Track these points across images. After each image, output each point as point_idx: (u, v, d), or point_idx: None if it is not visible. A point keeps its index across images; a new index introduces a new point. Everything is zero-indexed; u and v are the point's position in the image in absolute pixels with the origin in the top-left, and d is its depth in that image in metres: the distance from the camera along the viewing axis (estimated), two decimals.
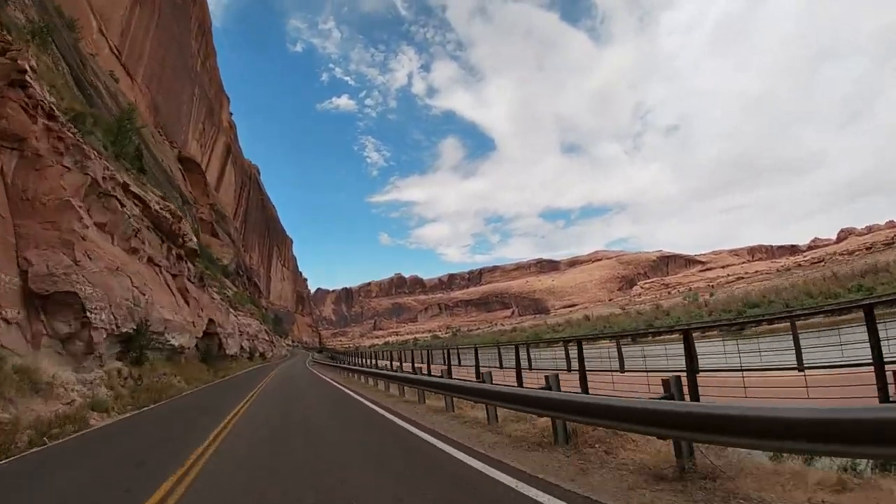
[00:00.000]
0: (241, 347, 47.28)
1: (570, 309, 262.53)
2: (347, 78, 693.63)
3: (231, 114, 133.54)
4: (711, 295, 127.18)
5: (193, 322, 26.40)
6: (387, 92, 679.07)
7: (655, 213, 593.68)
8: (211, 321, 32.80)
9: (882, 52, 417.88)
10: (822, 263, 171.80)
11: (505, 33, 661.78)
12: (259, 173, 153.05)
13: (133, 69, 72.50)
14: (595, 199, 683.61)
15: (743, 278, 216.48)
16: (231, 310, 44.40)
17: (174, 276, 25.79)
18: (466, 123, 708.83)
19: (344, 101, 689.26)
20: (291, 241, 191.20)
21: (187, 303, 26.39)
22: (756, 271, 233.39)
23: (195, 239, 31.11)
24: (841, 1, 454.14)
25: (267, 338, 71.87)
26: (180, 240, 27.21)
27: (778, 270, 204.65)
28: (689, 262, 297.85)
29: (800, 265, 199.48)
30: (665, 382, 5.53)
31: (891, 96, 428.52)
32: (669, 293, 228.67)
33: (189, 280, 28.84)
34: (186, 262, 29.00)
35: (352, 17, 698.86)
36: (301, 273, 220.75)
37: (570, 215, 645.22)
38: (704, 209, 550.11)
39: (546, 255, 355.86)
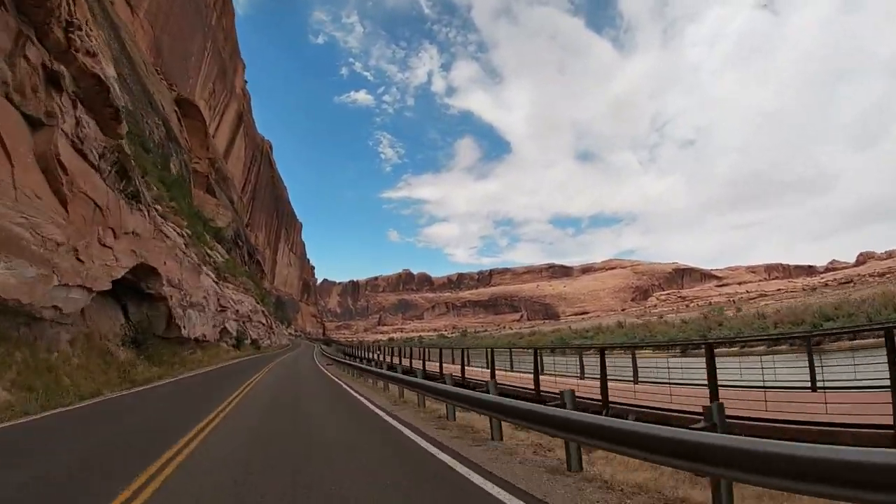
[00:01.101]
0: (225, 329, 35.13)
1: (581, 316, 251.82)
2: (367, 73, 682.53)
3: (246, 81, 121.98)
4: (739, 310, 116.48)
5: (76, 250, 12.83)
6: (405, 89, 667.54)
7: (666, 225, 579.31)
8: (149, 270, 19.36)
9: None
10: (852, 284, 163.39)
11: (529, 36, 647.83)
12: (272, 149, 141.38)
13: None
14: (606, 207, 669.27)
15: (767, 295, 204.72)
16: (209, 273, 32.11)
17: (30, 120, 11.53)
18: (484, 125, 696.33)
19: (362, 96, 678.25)
20: (301, 225, 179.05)
21: (63, 204, 12.42)
22: (778, 289, 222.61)
23: (107, 68, 15.70)
24: (862, 21, 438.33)
25: (264, 322, 59.42)
26: (62, 40, 12.54)
27: (804, 289, 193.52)
28: (704, 276, 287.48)
29: (827, 285, 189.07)
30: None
31: None
32: (687, 306, 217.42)
33: (86, 158, 14.42)
34: (81, 110, 14.14)
35: (375, 12, 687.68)
36: (309, 260, 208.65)
37: (580, 223, 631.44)
38: (716, 224, 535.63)
39: (557, 261, 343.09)
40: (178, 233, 27.55)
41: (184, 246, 27.05)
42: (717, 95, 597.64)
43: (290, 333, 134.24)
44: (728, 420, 6.65)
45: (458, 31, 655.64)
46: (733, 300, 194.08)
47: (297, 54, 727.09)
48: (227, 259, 50.82)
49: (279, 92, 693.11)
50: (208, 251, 39.61)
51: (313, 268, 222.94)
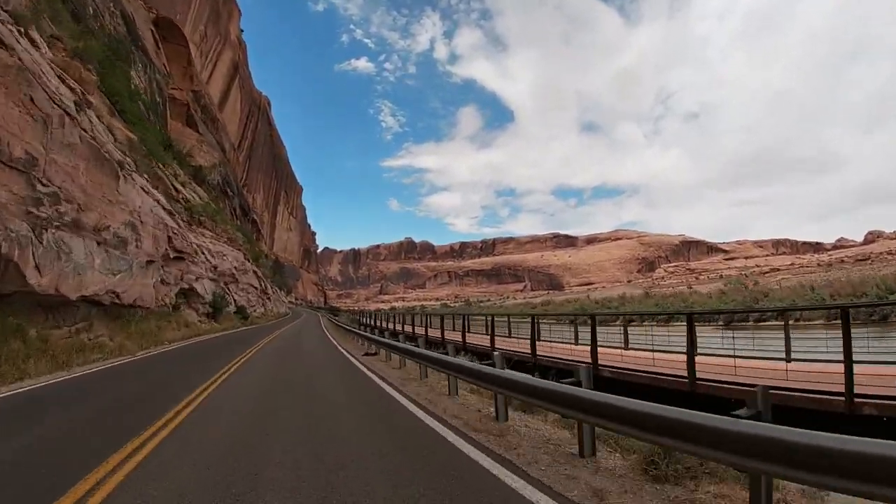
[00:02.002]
0: (192, 291, 26.10)
1: (587, 287, 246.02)
2: (368, 40, 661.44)
3: (242, 31, 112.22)
4: (756, 283, 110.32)
5: None
6: (407, 57, 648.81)
7: (668, 198, 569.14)
8: None
9: None
10: (869, 262, 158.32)
11: (535, 4, 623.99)
12: (270, 106, 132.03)
13: None
14: (609, 180, 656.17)
15: (780, 270, 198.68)
16: (150, 190, 20.84)
17: None
18: (487, 93, 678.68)
19: (362, 64, 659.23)
20: (301, 189, 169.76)
21: None
22: (791, 264, 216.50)
23: None
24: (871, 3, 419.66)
25: (257, 285, 51.37)
26: None
27: (819, 265, 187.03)
28: (711, 249, 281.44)
29: (843, 261, 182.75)
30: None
31: None
32: (697, 278, 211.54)
33: None
34: None
35: None
36: (310, 226, 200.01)
37: (583, 194, 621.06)
38: (718, 199, 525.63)
39: (562, 231, 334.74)
40: (66, 84, 15.46)
41: (73, 107, 14.41)
42: (722, 70, 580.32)
43: (289, 302, 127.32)
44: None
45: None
46: (745, 273, 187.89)
47: (296, 21, 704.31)
48: (206, 202, 41.59)
49: (277, 59, 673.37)
50: (173, 182, 30.22)
51: (314, 234, 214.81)
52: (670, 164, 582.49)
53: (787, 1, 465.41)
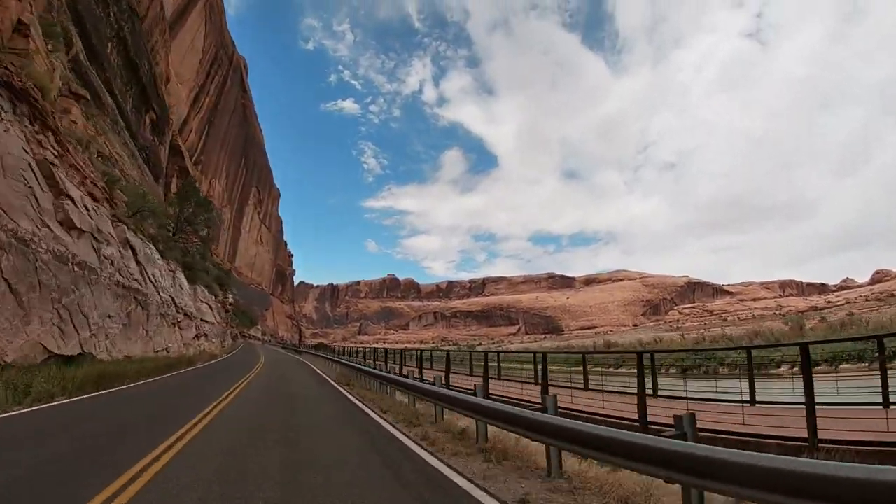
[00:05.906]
0: None
1: (590, 331, 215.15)
2: (355, 82, 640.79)
3: None
4: (823, 319, 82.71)
5: None
6: (392, 100, 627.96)
7: (646, 245, 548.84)
8: None
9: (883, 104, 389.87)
10: None
11: (524, 50, 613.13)
12: (246, 70, 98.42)
13: None
14: (588, 226, 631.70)
15: (820, 309, 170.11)
16: None
17: None
18: (473, 138, 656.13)
19: (349, 105, 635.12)
20: (279, 193, 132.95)
21: None
22: (829, 303, 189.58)
23: None
24: (848, 52, 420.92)
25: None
26: None
27: (867, 300, 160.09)
28: (716, 291, 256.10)
29: (893, 295, 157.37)
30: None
31: (889, 149, 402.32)
32: (725, 320, 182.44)
33: None
34: None
35: (367, 22, 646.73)
36: (286, 244, 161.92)
37: (561, 241, 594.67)
38: (697, 246, 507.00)
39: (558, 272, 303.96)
40: None
41: None
42: (701, 118, 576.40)
43: (251, 336, 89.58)
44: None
45: (449, 45, 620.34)
46: (780, 313, 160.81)
47: (286, 59, 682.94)
48: None
49: (267, 94, 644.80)
50: None
51: (291, 255, 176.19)
52: (650, 211, 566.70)
53: (763, 51, 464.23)
